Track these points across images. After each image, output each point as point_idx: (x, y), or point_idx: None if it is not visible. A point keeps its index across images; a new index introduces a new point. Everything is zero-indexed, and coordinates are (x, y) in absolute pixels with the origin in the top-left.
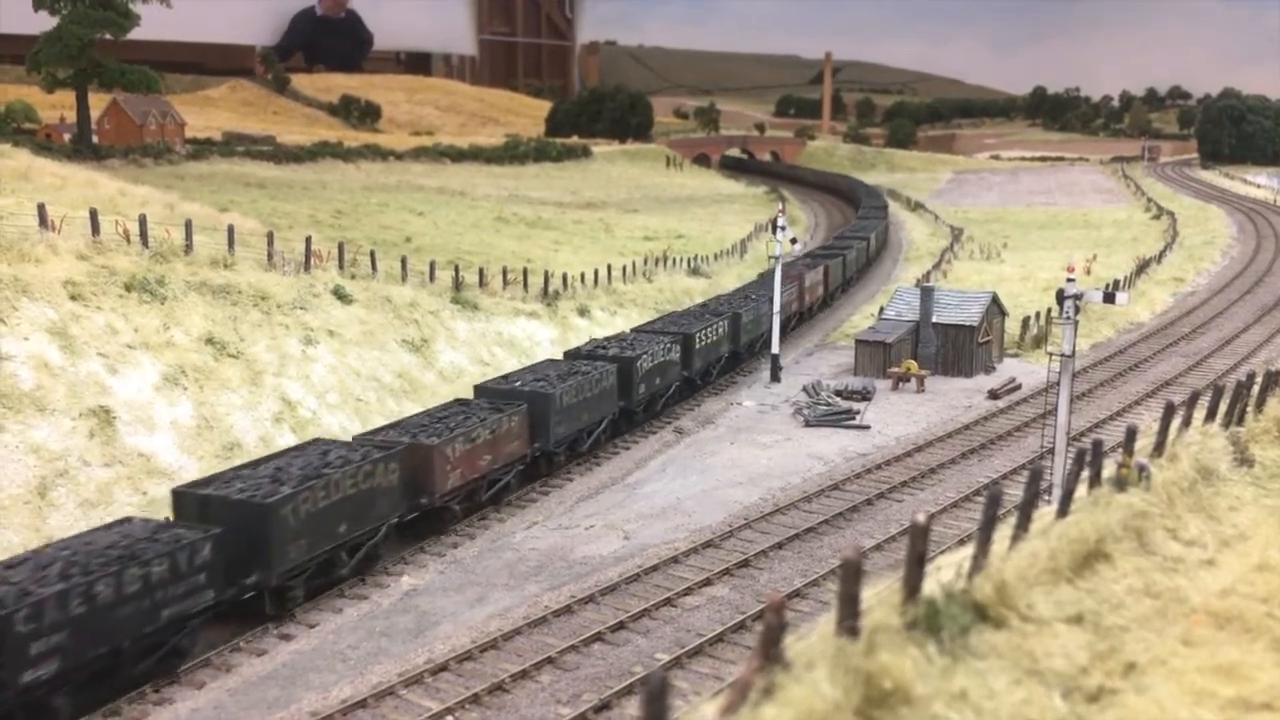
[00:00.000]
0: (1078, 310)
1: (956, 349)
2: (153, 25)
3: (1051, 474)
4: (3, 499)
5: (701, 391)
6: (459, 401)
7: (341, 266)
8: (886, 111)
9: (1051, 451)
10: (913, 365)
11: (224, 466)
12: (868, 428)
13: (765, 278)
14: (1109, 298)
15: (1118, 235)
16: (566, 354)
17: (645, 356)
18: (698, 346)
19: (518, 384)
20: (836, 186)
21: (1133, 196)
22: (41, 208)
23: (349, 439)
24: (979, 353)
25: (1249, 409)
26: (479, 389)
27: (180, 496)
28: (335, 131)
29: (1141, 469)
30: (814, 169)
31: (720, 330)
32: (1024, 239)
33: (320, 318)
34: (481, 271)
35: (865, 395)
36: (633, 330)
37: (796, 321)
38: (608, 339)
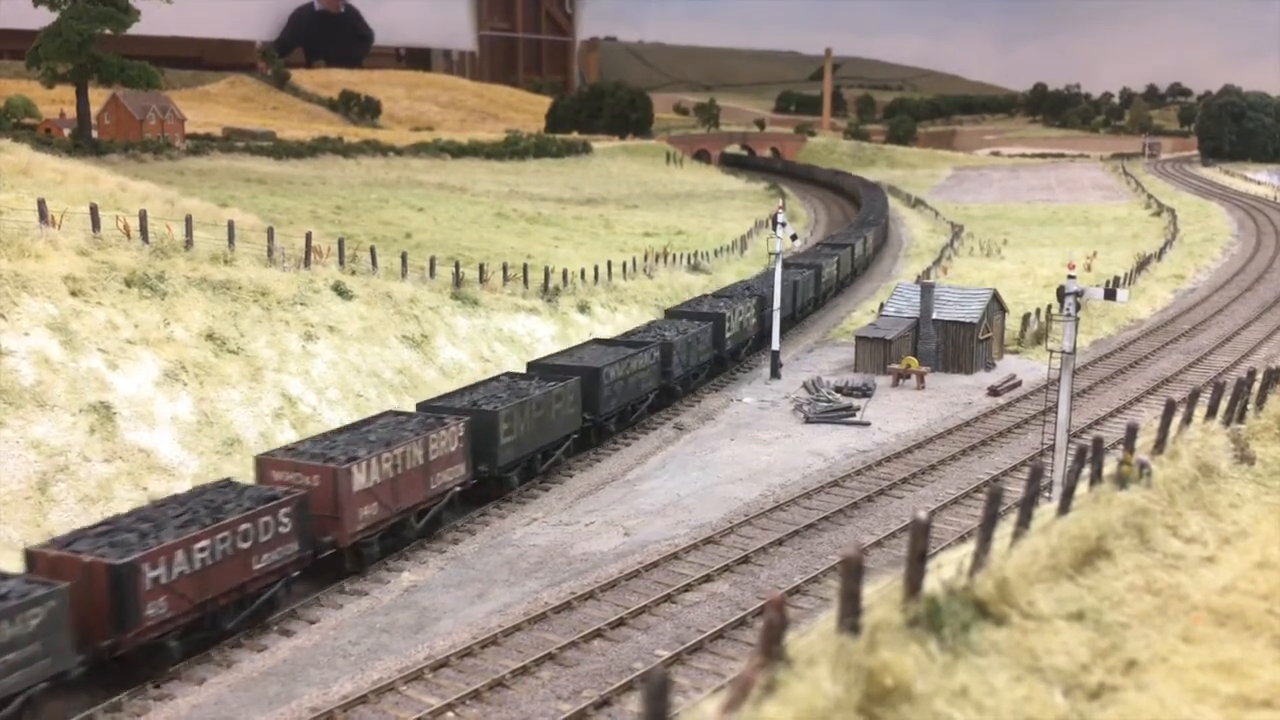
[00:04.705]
0: (1078, 307)
1: (957, 346)
2: (152, 20)
3: (1052, 471)
4: (3, 495)
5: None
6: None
7: (342, 262)
8: (887, 108)
9: (1052, 448)
10: (913, 362)
11: (225, 463)
12: (868, 424)
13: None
14: (1109, 294)
15: (1118, 232)
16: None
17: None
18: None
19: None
20: (837, 183)
21: (1133, 193)
22: (41, 203)
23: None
24: (979, 349)
25: (1250, 406)
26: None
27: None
28: (335, 127)
29: (1142, 466)
30: (814, 165)
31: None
32: (1024, 235)
33: (320, 313)
34: (482, 267)
35: (865, 392)
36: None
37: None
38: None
